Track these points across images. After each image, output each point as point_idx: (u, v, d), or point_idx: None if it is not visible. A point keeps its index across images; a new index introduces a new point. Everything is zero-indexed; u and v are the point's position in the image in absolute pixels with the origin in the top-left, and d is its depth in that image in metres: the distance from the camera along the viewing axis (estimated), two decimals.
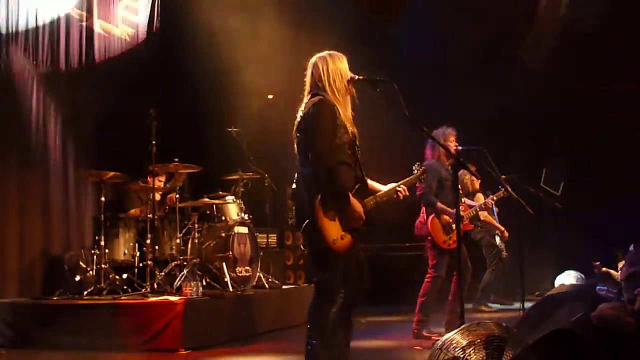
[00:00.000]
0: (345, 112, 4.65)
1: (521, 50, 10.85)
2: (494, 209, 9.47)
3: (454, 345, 3.47)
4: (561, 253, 9.68)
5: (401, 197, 4.90)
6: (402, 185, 4.92)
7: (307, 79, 4.73)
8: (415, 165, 5.29)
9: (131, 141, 8.25)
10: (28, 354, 6.55)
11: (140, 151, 8.01)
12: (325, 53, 4.74)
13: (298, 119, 4.65)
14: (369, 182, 4.84)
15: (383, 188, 4.88)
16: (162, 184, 8.37)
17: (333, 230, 4.45)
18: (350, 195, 4.51)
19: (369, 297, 4.91)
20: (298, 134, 4.62)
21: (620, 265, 8.25)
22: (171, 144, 8.24)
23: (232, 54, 9.57)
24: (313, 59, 4.74)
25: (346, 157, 4.60)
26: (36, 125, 8.41)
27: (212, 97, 10.02)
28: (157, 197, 8.20)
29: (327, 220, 4.44)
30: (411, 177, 5.16)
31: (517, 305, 9.29)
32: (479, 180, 9.19)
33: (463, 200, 7.48)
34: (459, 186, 8.99)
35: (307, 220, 4.47)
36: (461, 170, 8.53)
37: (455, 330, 3.59)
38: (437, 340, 6.55)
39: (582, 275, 8.89)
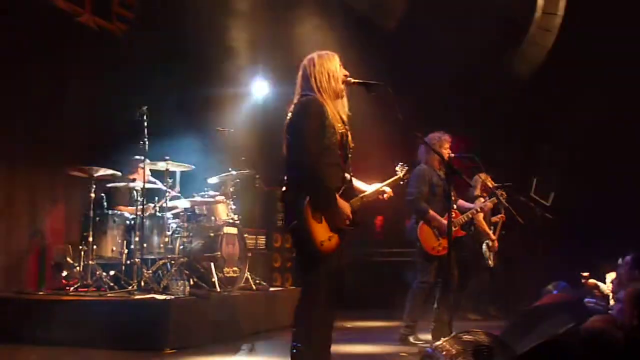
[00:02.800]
0: (336, 111, 4.62)
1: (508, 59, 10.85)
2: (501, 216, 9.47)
3: (443, 353, 3.45)
4: (550, 264, 9.67)
5: (386, 198, 4.87)
6: (386, 187, 4.89)
7: (297, 80, 4.72)
8: (399, 166, 5.10)
9: (122, 138, 8.22)
10: (12, 349, 6.48)
11: (131, 148, 7.99)
12: (314, 54, 4.72)
13: (287, 120, 4.63)
14: (356, 182, 4.83)
15: (367, 188, 4.85)
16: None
17: (321, 231, 4.44)
18: (337, 196, 4.49)
19: (358, 302, 4.91)
20: (287, 135, 4.60)
21: (608, 277, 8.27)
22: (162, 142, 8.18)
23: (225, 53, 9.54)
24: (304, 60, 4.73)
25: (335, 158, 4.58)
26: (26, 121, 8.36)
27: (204, 95, 9.98)
28: None
29: (314, 222, 4.42)
30: (395, 177, 5.04)
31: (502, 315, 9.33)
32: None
33: (455, 206, 7.47)
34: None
35: (295, 222, 4.46)
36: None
37: (445, 338, 3.57)
38: (424, 346, 6.59)
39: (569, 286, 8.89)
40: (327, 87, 4.60)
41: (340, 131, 4.60)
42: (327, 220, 4.47)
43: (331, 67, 4.65)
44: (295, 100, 4.66)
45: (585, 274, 8.25)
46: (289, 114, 4.63)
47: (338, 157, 4.61)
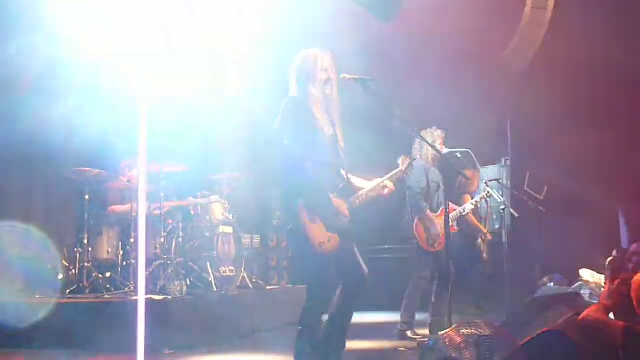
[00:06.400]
0: (323, 111, 4.62)
1: (505, 53, 10.89)
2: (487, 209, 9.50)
3: (445, 344, 3.47)
4: (545, 257, 9.71)
5: (387, 193, 4.84)
6: (387, 181, 4.85)
7: (288, 77, 4.72)
8: (401, 158, 5.05)
9: (116, 139, 8.19)
10: (8, 354, 6.45)
11: (125, 149, 7.98)
12: (304, 51, 4.72)
13: (276, 124, 4.64)
14: (355, 180, 4.82)
15: (367, 185, 4.84)
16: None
17: (318, 233, 4.43)
18: (331, 195, 4.49)
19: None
20: (276, 140, 4.61)
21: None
22: (156, 142, 8.15)
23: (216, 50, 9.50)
24: (295, 56, 4.73)
25: (326, 157, 4.58)
26: (17, 121, 8.33)
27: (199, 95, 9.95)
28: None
29: (310, 224, 4.41)
30: (396, 170, 4.97)
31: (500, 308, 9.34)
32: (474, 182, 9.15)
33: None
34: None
35: (291, 226, 4.47)
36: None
37: (447, 330, 3.58)
38: (422, 341, 6.61)
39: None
40: (305, 89, 4.60)
41: (329, 132, 4.59)
42: (325, 222, 4.46)
43: (320, 66, 4.64)
44: (283, 102, 4.66)
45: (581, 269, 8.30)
46: (278, 117, 4.63)
47: (330, 156, 4.60)
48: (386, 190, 4.80)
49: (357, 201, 4.67)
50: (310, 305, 4.56)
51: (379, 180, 4.85)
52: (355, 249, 4.67)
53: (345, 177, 4.70)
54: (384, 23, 9.20)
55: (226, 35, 9.53)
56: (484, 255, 9.41)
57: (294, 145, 4.44)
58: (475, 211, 9.33)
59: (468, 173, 8.83)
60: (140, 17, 5.84)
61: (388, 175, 4.90)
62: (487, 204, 9.30)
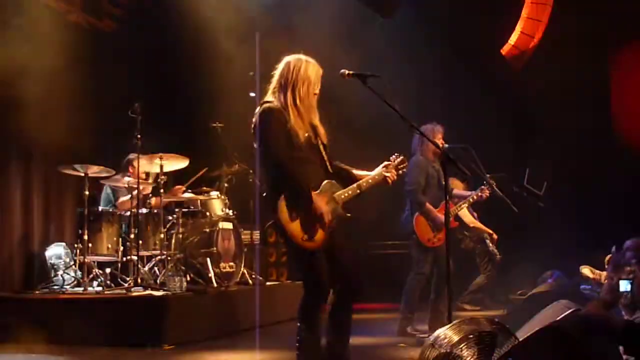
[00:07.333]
0: (302, 118, 4.60)
1: (504, 49, 10.89)
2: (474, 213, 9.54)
3: (446, 341, 3.46)
4: (544, 253, 9.70)
5: (390, 182, 4.81)
6: (391, 170, 4.81)
7: (276, 75, 4.71)
8: (393, 156, 4.98)
9: (115, 135, 8.19)
10: (8, 348, 6.45)
11: (125, 145, 7.97)
12: (302, 55, 4.71)
13: (252, 125, 4.64)
14: (357, 172, 4.81)
15: (370, 174, 4.80)
16: (143, 176, 8.25)
17: (300, 228, 4.45)
18: (311, 193, 4.48)
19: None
20: (254, 142, 4.62)
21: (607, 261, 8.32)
22: (155, 138, 8.15)
23: (217, 47, 9.49)
24: (289, 57, 4.72)
25: (307, 156, 4.59)
26: (17, 118, 8.31)
27: (196, 91, 9.94)
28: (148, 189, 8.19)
29: (291, 220, 4.43)
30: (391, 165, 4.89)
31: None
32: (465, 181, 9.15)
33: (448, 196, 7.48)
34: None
35: (272, 222, 4.50)
36: None
37: (447, 326, 3.58)
38: (422, 337, 6.61)
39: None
40: (303, 93, 4.60)
41: (305, 134, 4.58)
42: (302, 219, 4.46)
43: (314, 75, 4.65)
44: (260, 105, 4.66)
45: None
46: (254, 120, 4.63)
47: (310, 154, 4.61)
48: (389, 180, 4.76)
49: (343, 197, 4.65)
50: (305, 299, 4.58)
51: (376, 171, 4.82)
52: (348, 248, 4.69)
53: (331, 174, 4.70)
54: (383, 17, 9.19)
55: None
56: (497, 256, 9.44)
57: (272, 148, 4.48)
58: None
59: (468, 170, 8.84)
60: None
61: (379, 171, 4.85)
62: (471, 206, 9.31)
